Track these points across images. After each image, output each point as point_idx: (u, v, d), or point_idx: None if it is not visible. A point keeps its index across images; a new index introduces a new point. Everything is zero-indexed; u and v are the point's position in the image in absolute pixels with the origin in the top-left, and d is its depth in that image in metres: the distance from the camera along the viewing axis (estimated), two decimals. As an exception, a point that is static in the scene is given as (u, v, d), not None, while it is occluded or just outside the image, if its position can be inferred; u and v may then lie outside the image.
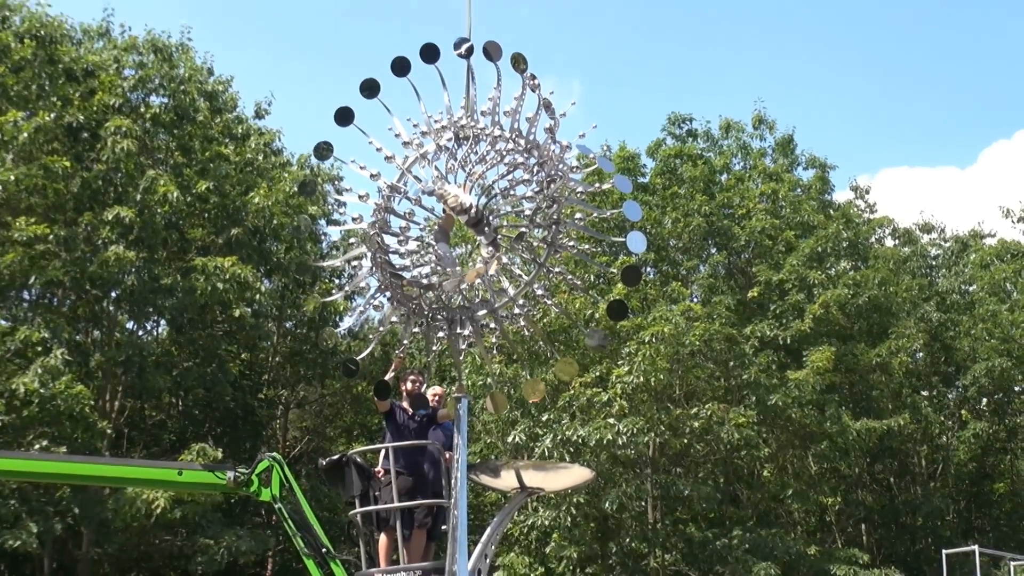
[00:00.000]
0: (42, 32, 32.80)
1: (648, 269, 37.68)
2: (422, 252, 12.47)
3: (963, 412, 43.67)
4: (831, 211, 43.47)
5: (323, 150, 12.84)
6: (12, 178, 29.90)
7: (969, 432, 42.32)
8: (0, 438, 27.31)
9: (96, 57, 34.35)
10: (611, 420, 30.99)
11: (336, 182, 35.40)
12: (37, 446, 27.16)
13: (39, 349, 28.80)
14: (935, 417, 41.55)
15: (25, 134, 30.30)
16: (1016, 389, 42.00)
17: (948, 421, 42.90)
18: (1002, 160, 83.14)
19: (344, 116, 12.24)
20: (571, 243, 12.58)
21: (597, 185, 13.54)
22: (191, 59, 36.42)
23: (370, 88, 12.24)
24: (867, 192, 47.92)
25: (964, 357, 42.25)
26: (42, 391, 27.79)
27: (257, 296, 34.05)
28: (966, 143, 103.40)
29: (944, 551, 33.39)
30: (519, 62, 11.74)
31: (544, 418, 31.11)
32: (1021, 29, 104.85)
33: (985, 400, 43.47)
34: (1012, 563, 33.91)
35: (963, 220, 75.35)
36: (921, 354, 42.66)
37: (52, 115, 31.37)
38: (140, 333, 34.69)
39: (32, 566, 30.13)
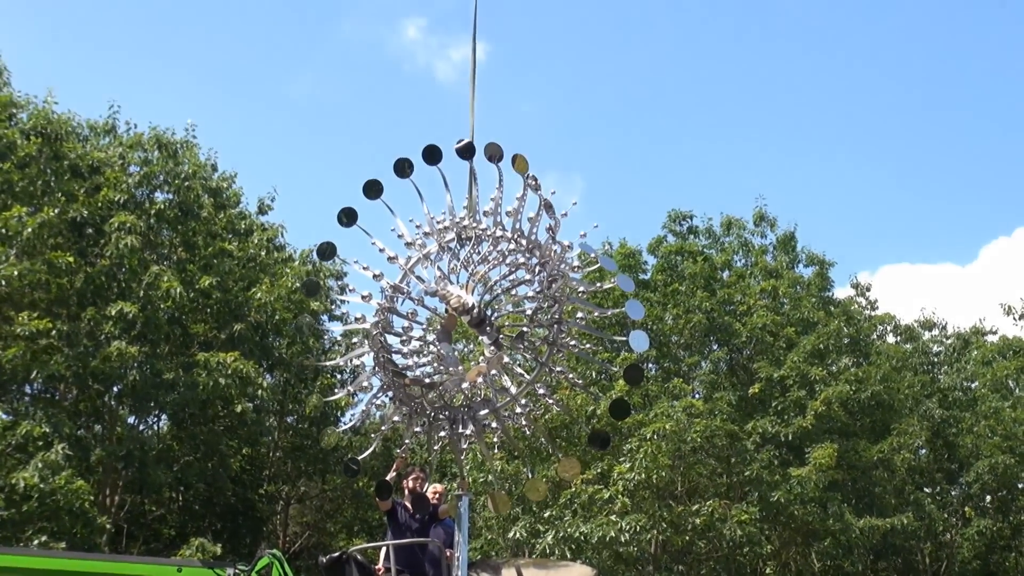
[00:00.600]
0: (48, 129, 33.02)
1: (649, 365, 37.70)
2: (424, 351, 12.54)
3: (967, 509, 43.48)
4: (832, 308, 43.56)
5: (326, 251, 13.05)
6: (15, 273, 29.91)
7: (973, 529, 42.15)
8: (2, 536, 27.19)
9: (101, 154, 34.59)
10: (613, 517, 30.92)
11: (339, 279, 35.52)
12: (36, 542, 27.04)
13: (40, 444, 28.63)
14: (939, 514, 41.40)
15: (29, 229, 30.41)
16: (1020, 486, 41.93)
17: (952, 518, 42.73)
18: (1002, 257, 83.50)
19: (348, 216, 12.40)
20: (572, 342, 12.65)
21: (599, 284, 13.61)
22: (195, 155, 36.63)
23: (373, 189, 12.38)
24: (868, 289, 48.05)
25: (967, 454, 42.17)
26: (42, 486, 27.64)
27: (259, 391, 34.11)
28: (966, 240, 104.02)
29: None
30: (520, 163, 11.88)
31: (546, 514, 31.04)
32: (1018, 126, 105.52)
33: (989, 497, 43.33)
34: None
35: (964, 317, 75.64)
36: (924, 451, 42.57)
37: (56, 210, 31.44)
38: (141, 428, 34.64)
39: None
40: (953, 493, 43.96)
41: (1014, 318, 46.76)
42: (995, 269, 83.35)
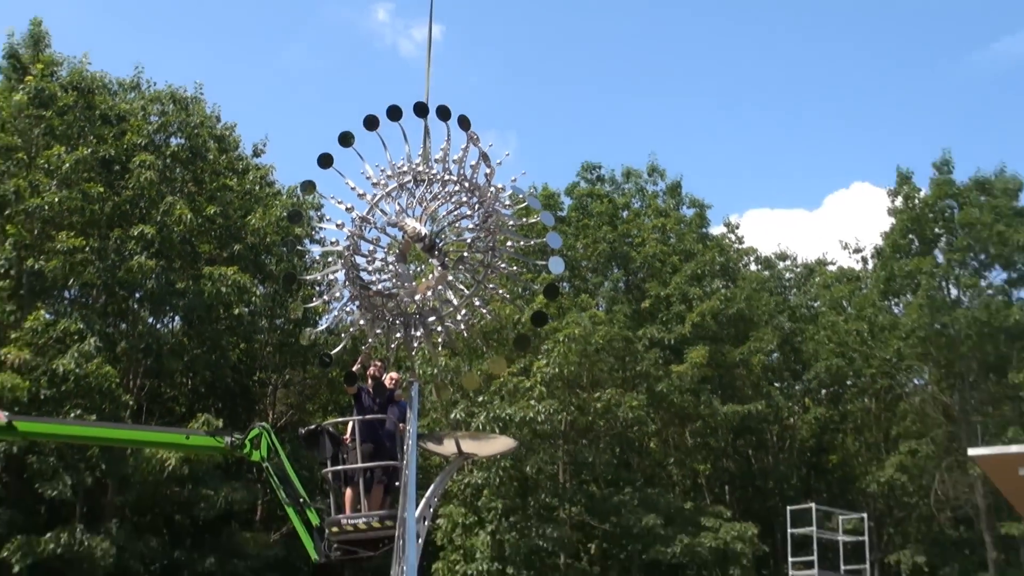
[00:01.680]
0: (82, 84, 32.73)
1: (563, 284, 37.72)
2: (385, 270, 12.61)
3: (806, 400, 44.11)
4: (708, 241, 43.79)
5: (307, 187, 13.11)
6: (56, 200, 29.85)
7: (811, 415, 42.81)
8: (43, 408, 27.03)
9: (127, 105, 34.26)
10: (532, 402, 31.11)
11: (318, 210, 35.31)
12: (72, 415, 27.02)
13: (75, 337, 28.68)
14: (784, 403, 41.93)
15: (67, 165, 30.29)
16: (848, 383, 42.45)
17: (795, 407, 43.28)
18: (842, 204, 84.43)
19: (325, 160, 12.41)
20: (503, 264, 12.72)
21: (525, 219, 13.62)
22: (202, 109, 36.23)
23: (346, 139, 12.34)
24: (736, 227, 48.34)
25: (808, 357, 42.72)
26: (77, 371, 27.77)
27: (253, 299, 34.16)
28: (814, 190, 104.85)
29: (789, 508, 33.75)
30: (464, 122, 11.99)
31: (479, 400, 31.13)
32: (856, 96, 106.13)
33: (824, 391, 43.94)
34: (840, 517, 34.34)
35: (811, 251, 76.35)
36: (775, 354, 43.06)
37: (89, 150, 31.26)
38: (158, 326, 34.42)
39: (67, 511, 29.75)
40: (797, 387, 44.53)
41: (849, 253, 47.27)
42: (836, 214, 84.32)
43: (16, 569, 26.85)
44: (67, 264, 30.08)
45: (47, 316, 29.63)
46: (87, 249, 30.59)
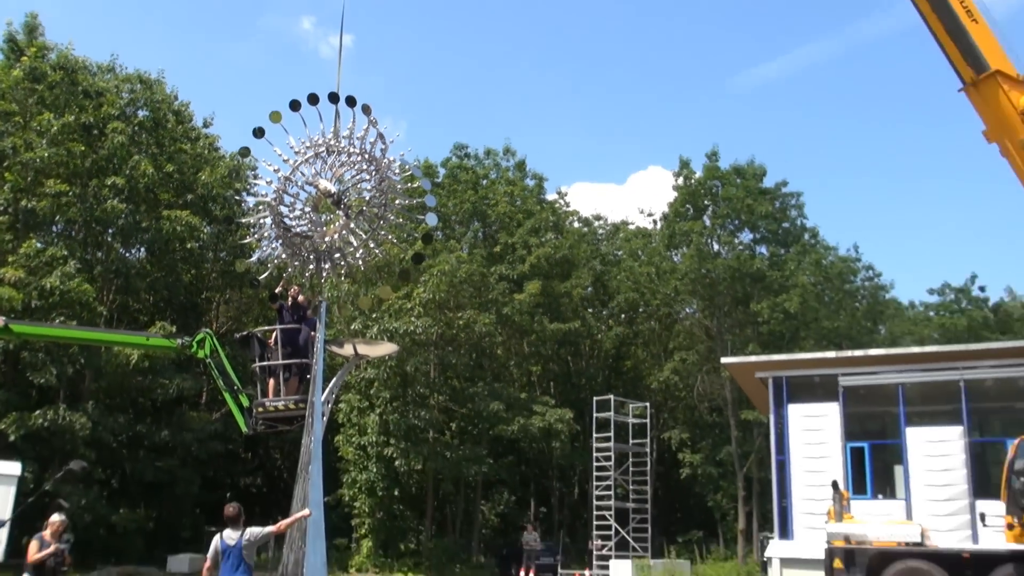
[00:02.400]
0: (68, 65, 31.64)
1: (438, 234, 37.65)
2: (303, 217, 12.71)
3: (610, 321, 45.09)
4: (543, 205, 44.23)
5: (244, 152, 13.47)
6: (46, 154, 29.02)
7: (612, 333, 43.90)
8: (34, 315, 26.44)
9: (104, 84, 32.87)
10: (412, 319, 31.24)
11: (253, 170, 34.61)
12: (57, 320, 26.44)
13: (61, 261, 27.91)
14: (594, 324, 42.90)
15: (55, 128, 29.36)
16: (639, 310, 43.51)
17: (601, 326, 44.22)
18: (642, 181, 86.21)
19: (259, 132, 12.55)
20: (392, 217, 12.97)
21: (411, 184, 13.74)
22: (164, 89, 35.01)
23: (275, 116, 12.46)
24: (565, 195, 48.79)
25: (613, 291, 43.70)
26: (61, 287, 27.16)
27: (202, 235, 33.67)
28: (622, 169, 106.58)
29: (595, 398, 34.67)
30: (367, 109, 12.15)
31: (372, 316, 31.11)
32: (649, 100, 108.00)
33: (623, 315, 44.98)
34: (631, 405, 35.39)
35: (618, 215, 77.92)
36: (590, 288, 43.93)
37: (73, 117, 30.16)
38: (127, 255, 33.53)
39: (52, 394, 29.01)
40: (603, 312, 45.50)
41: (644, 216, 48.18)
42: (637, 188, 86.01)
43: (12, 438, 26.42)
44: (54, 205, 29.30)
45: (38, 245, 28.75)
46: (70, 194, 29.68)
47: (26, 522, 22.81)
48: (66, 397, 29.06)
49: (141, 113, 33.65)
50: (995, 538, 17.32)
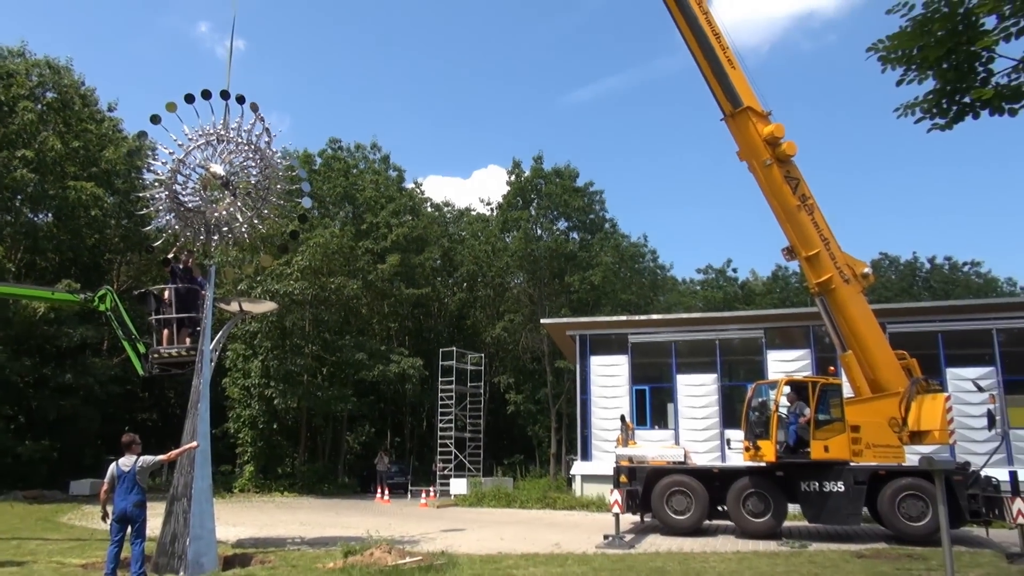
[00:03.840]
0: None
1: (315, 212, 36.46)
2: (195, 194, 12.07)
3: (455, 288, 45.07)
4: (403, 191, 43.60)
5: (141, 136, 12.92)
6: None
7: (457, 297, 43.96)
8: (-57, 270, 23.64)
9: (14, 67, 29.56)
10: (291, 282, 30.19)
11: (153, 151, 32.36)
12: None
13: None
14: (442, 290, 42.83)
15: None
16: (478, 280, 43.55)
17: (448, 292, 44.20)
18: (483, 176, 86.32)
19: (155, 119, 11.81)
20: (274, 198, 12.51)
21: (291, 172, 13.28)
22: (71, 74, 31.89)
23: (171, 106, 11.77)
24: (421, 184, 48.23)
25: (458, 264, 43.65)
26: None
27: (104, 204, 31.03)
28: (467, 166, 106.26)
29: (441, 350, 34.72)
30: (254, 106, 11.70)
31: (257, 279, 29.86)
32: (495, 110, 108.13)
33: (465, 284, 44.97)
34: (469, 356, 35.63)
35: (463, 202, 77.38)
36: (439, 261, 43.69)
37: None
38: (35, 219, 30.61)
39: (-39, 341, 26.33)
40: (450, 281, 45.29)
41: (484, 204, 48.17)
42: (479, 181, 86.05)
43: (-80, 379, 23.70)
44: (-36, 173, 26.16)
45: (-52, 208, 25.74)
46: (-19, 164, 26.63)
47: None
48: (-25, 346, 26.44)
49: (49, 95, 30.62)
50: (737, 458, 18.64)
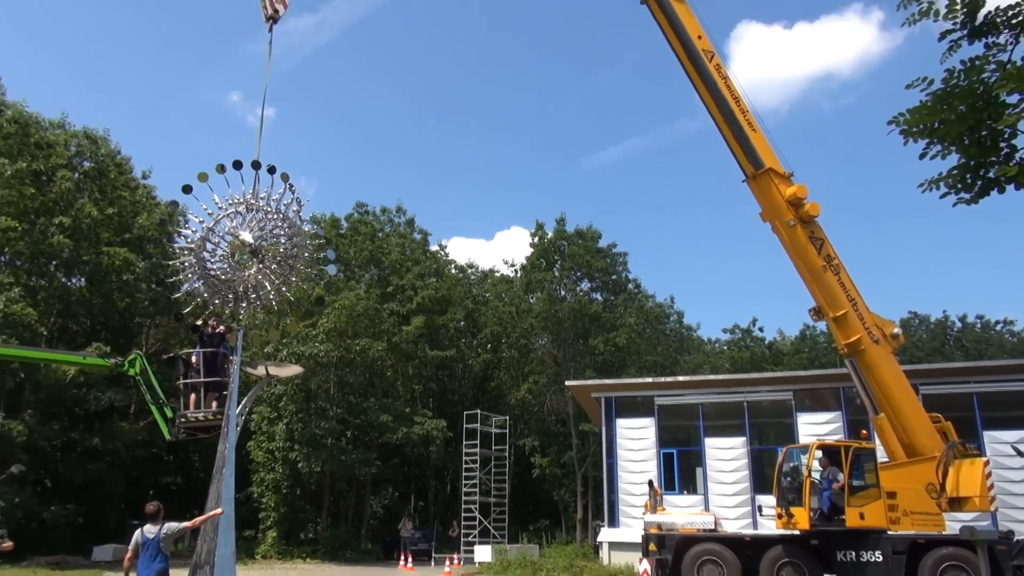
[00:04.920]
0: (21, 119, 29.58)
1: (340, 274, 36.85)
2: (224, 261, 12.31)
3: (479, 349, 45.00)
4: (428, 254, 44.01)
5: (174, 205, 13.00)
6: None
7: (481, 359, 43.83)
8: (-22, 335, 24.17)
9: (54, 137, 30.82)
10: (317, 344, 30.34)
11: (184, 217, 33.25)
12: (1, 339, 24.20)
13: (6, 287, 25.85)
14: (466, 351, 42.75)
15: (8, 172, 27.26)
16: (502, 341, 43.47)
17: (472, 353, 44.08)
18: (506, 239, 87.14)
19: (187, 189, 12.14)
20: (300, 265, 12.73)
21: (319, 241, 13.52)
22: (107, 143, 33.14)
23: (202, 177, 12.08)
24: (446, 247, 48.65)
25: (482, 325, 43.64)
26: (5, 310, 25.10)
27: (136, 268, 31.75)
28: (490, 228, 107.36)
29: (465, 412, 34.49)
30: (285, 176, 11.98)
31: (283, 342, 30.07)
32: (517, 175, 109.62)
33: (489, 345, 44.90)
34: (494, 418, 35.34)
35: (487, 264, 77.72)
36: (463, 322, 43.77)
37: (25, 164, 28.05)
38: (68, 284, 31.29)
39: (-8, 405, 26.66)
40: (474, 342, 45.16)
41: (508, 266, 48.39)
42: (503, 243, 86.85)
43: (-50, 443, 24.00)
44: (3, 239, 27.03)
45: (-15, 273, 26.51)
46: (19, 229, 27.45)
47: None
48: (6, 406, 26.66)
49: (87, 164, 31.76)
50: (769, 525, 18.11)
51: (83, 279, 31.79)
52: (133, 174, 35.17)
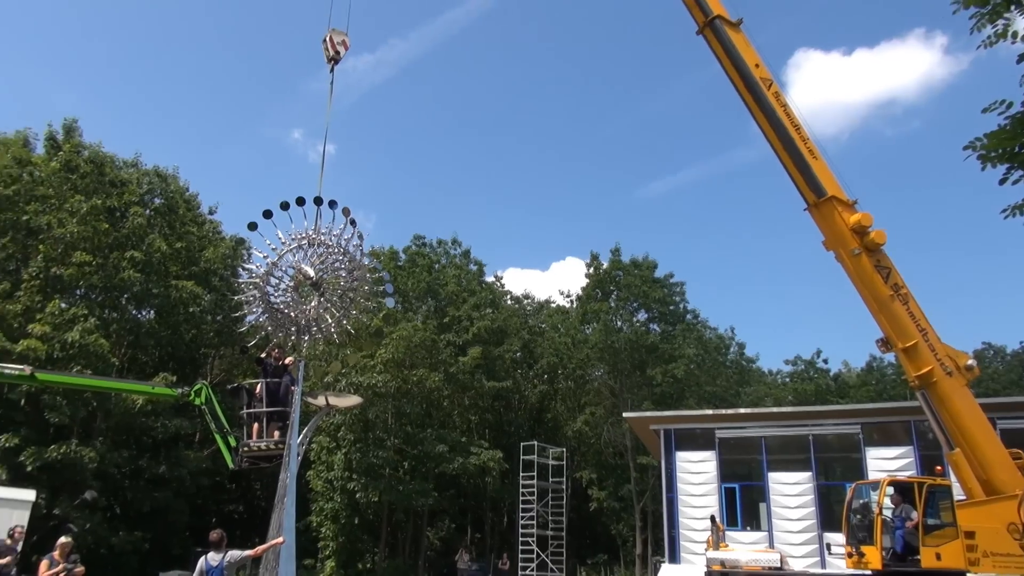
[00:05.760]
0: (97, 159, 31.14)
1: (398, 306, 37.33)
2: (287, 294, 12.60)
3: (535, 380, 44.76)
4: (483, 285, 44.18)
5: (240, 244, 13.35)
6: (75, 231, 28.19)
7: (537, 390, 43.61)
8: (56, 365, 25.15)
9: (127, 176, 32.31)
10: (375, 375, 30.70)
11: (248, 252, 34.42)
12: (75, 370, 25.20)
13: (82, 319, 26.80)
14: (523, 382, 42.65)
15: (84, 209, 28.51)
16: (559, 372, 43.28)
17: (528, 384, 43.91)
18: (562, 269, 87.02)
19: (252, 226, 12.54)
20: (360, 298, 12.95)
21: (378, 274, 13.78)
22: (177, 181, 34.63)
23: (267, 215, 12.42)
24: (501, 278, 48.90)
25: (538, 356, 43.51)
26: (81, 341, 26.06)
27: (203, 302, 32.69)
28: (545, 258, 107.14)
29: (521, 443, 34.16)
30: (346, 211, 12.24)
31: (342, 371, 30.51)
32: (573, 204, 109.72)
33: (545, 376, 44.70)
34: (551, 450, 35.04)
35: (542, 294, 77.43)
36: (519, 353, 43.68)
37: (100, 201, 29.37)
38: (138, 316, 32.47)
39: (66, 432, 27.57)
40: (530, 373, 45.05)
41: (563, 296, 48.47)
42: (557, 274, 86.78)
43: (29, 468, 25.03)
44: (79, 273, 28.14)
45: (62, 305, 27.65)
46: (93, 264, 28.61)
47: (37, 543, 21.49)
48: (79, 434, 27.67)
49: (157, 200, 33.12)
50: (838, 564, 17.43)
51: (152, 311, 32.90)
52: (200, 210, 36.50)
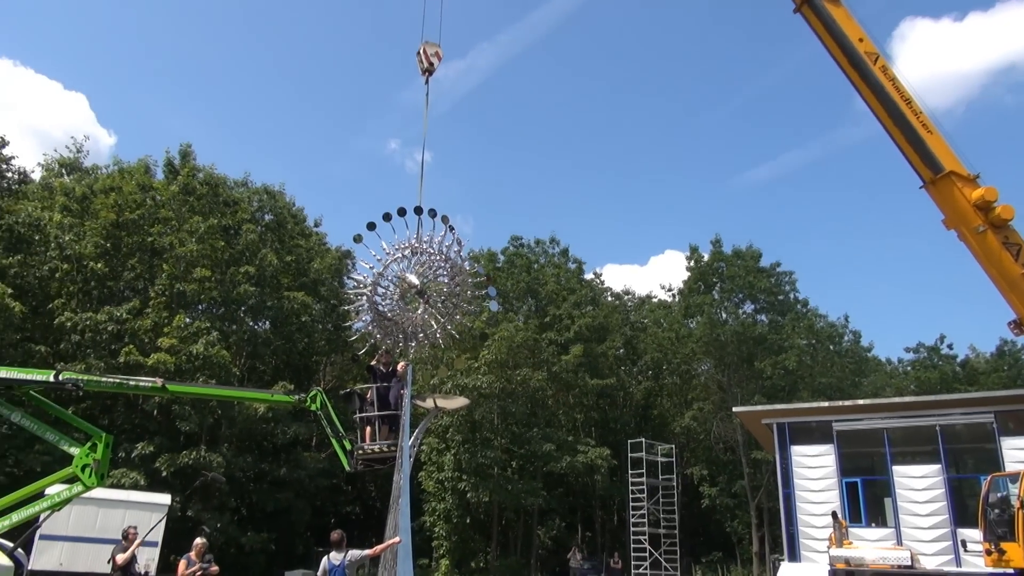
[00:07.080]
0: (212, 181, 32.89)
1: (500, 308, 37.67)
2: (394, 303, 12.90)
3: (639, 377, 44.36)
4: (583, 283, 44.05)
5: (346, 255, 13.60)
6: (195, 249, 29.85)
7: (642, 386, 43.13)
8: (183, 376, 26.70)
9: (238, 195, 34.08)
10: (480, 376, 31.10)
11: (354, 262, 35.63)
12: (201, 380, 26.71)
13: (204, 332, 28.35)
14: (627, 379, 42.26)
15: (202, 229, 30.25)
16: (663, 367, 42.70)
17: (632, 381, 43.53)
18: (661, 263, 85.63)
19: (357, 238, 13.02)
20: (464, 303, 13.16)
21: (480, 277, 13.91)
22: (284, 197, 36.24)
23: (372, 226, 12.74)
24: (600, 275, 48.73)
25: (642, 352, 43.03)
26: (205, 353, 27.55)
27: (313, 312, 33.96)
28: (643, 252, 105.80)
29: (629, 441, 33.80)
30: (445, 219, 12.46)
31: (448, 374, 31.06)
32: (667, 199, 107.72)
33: (649, 372, 44.23)
34: (659, 447, 34.52)
35: (642, 289, 76.52)
36: (622, 350, 43.34)
37: (216, 221, 31.08)
38: (255, 327, 34.09)
39: (196, 439, 29.22)
40: (634, 369, 44.69)
41: (665, 291, 47.68)
42: (657, 268, 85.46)
43: (164, 474, 26.66)
44: (200, 288, 29.81)
45: (186, 319, 29.31)
46: (212, 279, 30.26)
47: (174, 544, 22.88)
48: (206, 441, 29.29)
49: (267, 217, 34.71)
50: (975, 562, 16.36)
51: (267, 322, 34.50)
52: (307, 223, 38.02)
